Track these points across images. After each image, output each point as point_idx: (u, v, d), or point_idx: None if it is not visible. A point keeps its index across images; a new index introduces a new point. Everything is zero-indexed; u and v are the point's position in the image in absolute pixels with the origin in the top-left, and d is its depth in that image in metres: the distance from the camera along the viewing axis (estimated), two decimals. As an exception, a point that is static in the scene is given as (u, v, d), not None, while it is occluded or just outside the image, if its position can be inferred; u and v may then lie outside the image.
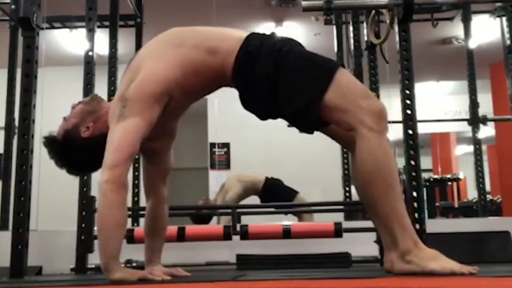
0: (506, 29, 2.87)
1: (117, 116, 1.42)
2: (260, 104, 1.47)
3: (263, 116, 1.52)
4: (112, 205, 1.36)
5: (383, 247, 1.49)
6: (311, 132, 1.49)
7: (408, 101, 2.00)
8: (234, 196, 3.60)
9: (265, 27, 5.08)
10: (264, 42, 1.46)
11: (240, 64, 1.43)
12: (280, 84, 1.42)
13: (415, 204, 1.90)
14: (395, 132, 2.25)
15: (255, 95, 1.45)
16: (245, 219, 2.60)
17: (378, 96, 3.00)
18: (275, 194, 3.62)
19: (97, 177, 2.37)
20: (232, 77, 1.45)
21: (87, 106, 1.56)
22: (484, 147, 5.41)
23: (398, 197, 1.41)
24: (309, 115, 1.41)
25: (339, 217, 3.11)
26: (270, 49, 1.44)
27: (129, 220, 2.75)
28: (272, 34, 1.52)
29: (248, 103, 1.49)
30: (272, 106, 1.45)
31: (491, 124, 4.93)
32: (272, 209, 2.85)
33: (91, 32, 2.47)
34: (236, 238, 2.26)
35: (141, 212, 2.48)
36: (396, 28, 2.08)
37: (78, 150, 1.52)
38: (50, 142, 1.53)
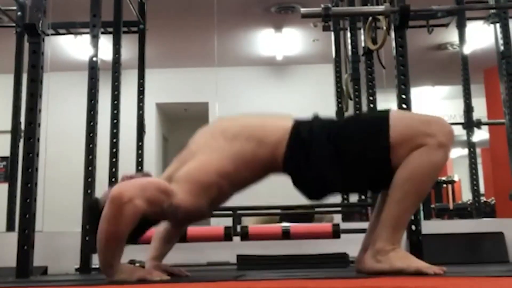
0: (499, 35, 2.89)
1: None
2: (318, 184, 1.47)
3: (318, 196, 1.52)
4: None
5: (361, 247, 1.52)
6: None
7: (404, 106, 2.02)
8: None
9: (265, 34, 5.13)
10: (313, 126, 1.47)
11: (293, 152, 1.45)
12: (345, 160, 1.43)
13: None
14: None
15: (313, 178, 1.46)
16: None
17: (375, 101, 3.05)
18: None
19: (99, 179, 2.44)
20: (284, 166, 1.47)
21: None
22: (478, 150, 5.44)
23: (413, 207, 1.43)
24: (386, 171, 1.40)
25: (337, 218, 3.17)
26: (320, 130, 1.46)
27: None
28: (316, 117, 1.52)
29: (302, 185, 1.50)
30: (333, 183, 1.46)
31: (485, 128, 4.96)
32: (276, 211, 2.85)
33: (95, 38, 2.51)
34: (236, 239, 2.28)
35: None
36: (392, 34, 2.08)
37: None
38: (92, 207, 1.46)
